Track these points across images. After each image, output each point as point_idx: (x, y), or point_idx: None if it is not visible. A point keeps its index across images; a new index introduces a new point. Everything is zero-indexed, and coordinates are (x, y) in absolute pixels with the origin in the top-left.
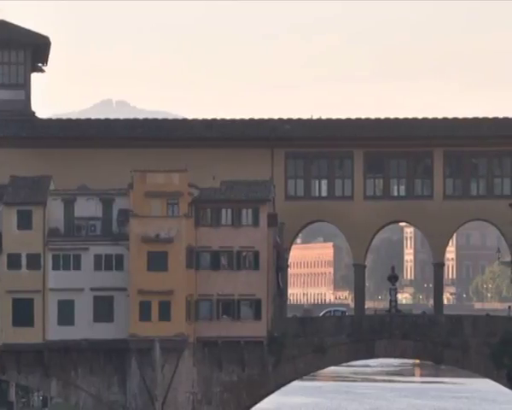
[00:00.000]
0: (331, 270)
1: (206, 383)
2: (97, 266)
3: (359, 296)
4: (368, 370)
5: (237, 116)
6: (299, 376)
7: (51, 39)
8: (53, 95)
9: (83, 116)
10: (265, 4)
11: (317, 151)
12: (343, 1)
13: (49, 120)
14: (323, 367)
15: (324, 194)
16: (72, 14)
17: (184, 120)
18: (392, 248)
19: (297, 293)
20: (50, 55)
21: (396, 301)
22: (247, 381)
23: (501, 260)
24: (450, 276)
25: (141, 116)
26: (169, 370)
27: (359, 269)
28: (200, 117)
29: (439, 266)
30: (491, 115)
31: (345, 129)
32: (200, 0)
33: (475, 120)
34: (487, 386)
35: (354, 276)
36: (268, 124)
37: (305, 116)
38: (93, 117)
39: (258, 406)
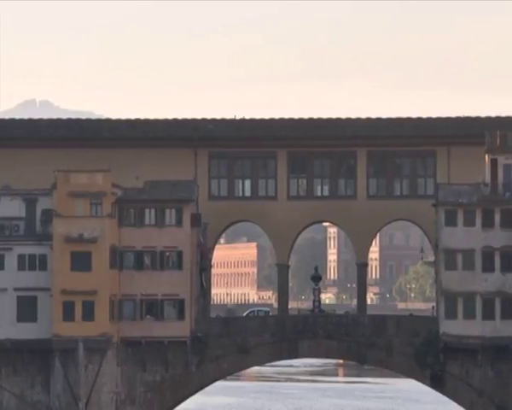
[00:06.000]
0: (254, 270)
1: (130, 383)
2: (21, 266)
3: (283, 296)
4: (291, 370)
5: (160, 116)
6: (222, 376)
7: None
8: None
9: (6, 116)
10: (188, 4)
11: (240, 151)
12: (265, 1)
13: None
14: (247, 367)
15: (248, 194)
16: None
17: (108, 120)
18: (316, 248)
19: (220, 293)
20: None
21: (319, 301)
22: (170, 381)
23: (424, 260)
24: (374, 276)
25: (64, 116)
26: (92, 370)
27: (283, 269)
28: (123, 117)
29: (363, 266)
30: (414, 115)
31: (268, 129)
32: (123, 0)
33: (398, 120)
34: (411, 386)
35: (277, 276)
36: (191, 124)
37: (228, 116)
38: (16, 117)
39: (181, 406)
